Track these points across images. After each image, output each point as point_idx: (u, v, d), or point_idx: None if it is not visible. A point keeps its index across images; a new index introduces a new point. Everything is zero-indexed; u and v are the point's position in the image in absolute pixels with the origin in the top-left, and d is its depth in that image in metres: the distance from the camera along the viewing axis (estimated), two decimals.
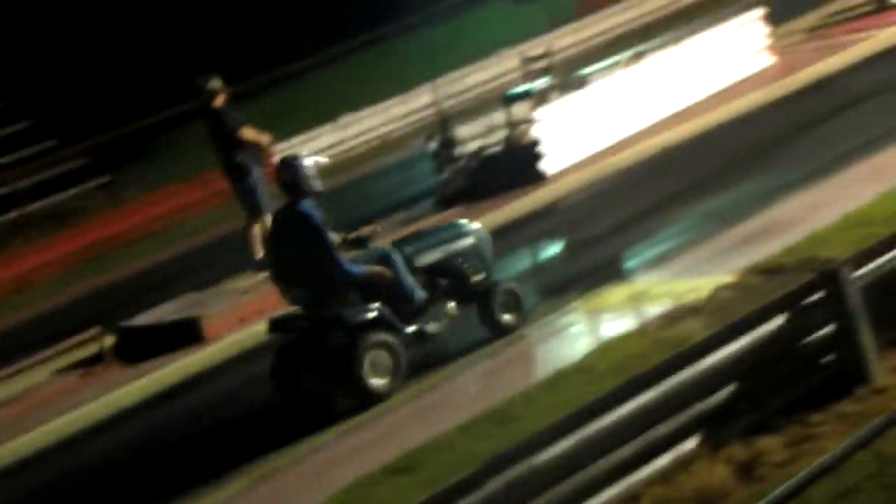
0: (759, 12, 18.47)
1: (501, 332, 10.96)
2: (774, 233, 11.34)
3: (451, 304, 10.91)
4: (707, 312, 9.66)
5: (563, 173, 16.17)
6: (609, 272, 12.01)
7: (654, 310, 10.36)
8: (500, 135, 16.77)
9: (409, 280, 10.73)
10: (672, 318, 9.89)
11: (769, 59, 18.40)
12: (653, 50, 18.07)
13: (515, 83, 19.60)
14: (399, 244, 11.11)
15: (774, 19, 18.85)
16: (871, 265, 8.09)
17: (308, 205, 10.57)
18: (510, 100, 17.08)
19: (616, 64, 17.83)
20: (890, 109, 14.36)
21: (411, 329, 10.62)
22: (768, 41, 18.54)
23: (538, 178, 16.12)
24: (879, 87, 15.51)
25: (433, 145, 17.09)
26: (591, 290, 11.52)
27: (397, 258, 10.75)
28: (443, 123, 17.67)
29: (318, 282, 10.52)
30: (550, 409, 8.30)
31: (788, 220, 11.65)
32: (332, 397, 10.74)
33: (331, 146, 21.71)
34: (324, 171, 10.92)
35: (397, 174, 19.74)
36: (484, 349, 10.82)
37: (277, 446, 9.98)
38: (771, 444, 7.34)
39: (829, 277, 7.85)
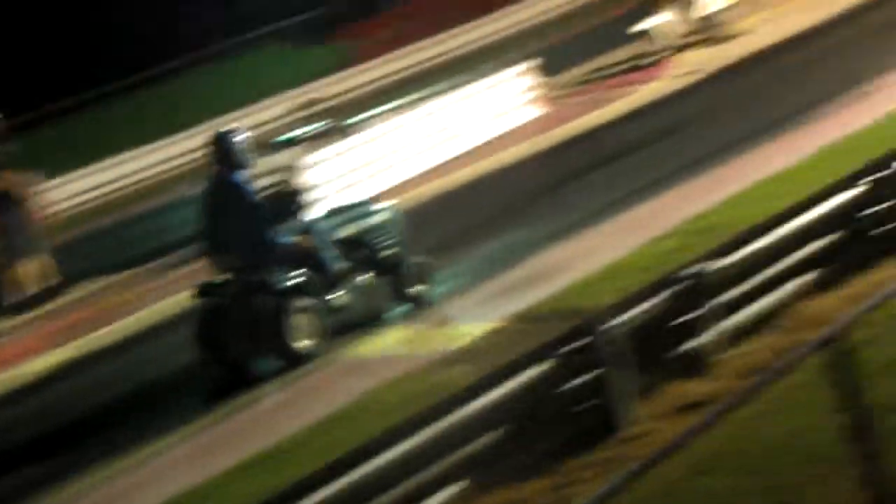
0: (526, 65, 18.85)
1: (412, 302, 11.80)
2: (541, 280, 11.53)
3: (367, 276, 11.74)
4: (473, 358, 9.73)
5: None
6: (379, 316, 12.01)
7: (424, 354, 10.41)
8: (266, 181, 16.55)
9: (330, 251, 11.50)
10: (439, 363, 9.95)
11: (537, 112, 18.76)
12: (425, 99, 18.25)
13: (286, 129, 19.50)
14: (319, 218, 11.89)
15: (546, 72, 19.27)
16: (630, 313, 8.30)
17: (240, 176, 11.29)
18: (277, 146, 16.95)
19: (388, 111, 17.94)
20: (651, 162, 14.79)
21: (332, 296, 11.39)
22: (537, 93, 18.93)
23: None
24: (642, 140, 15.97)
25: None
26: (361, 333, 11.49)
27: (319, 230, 11.54)
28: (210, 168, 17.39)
29: (248, 249, 11.18)
30: (321, 451, 8.22)
31: (554, 267, 11.85)
32: (255, 359, 11.25)
33: (95, 187, 21.21)
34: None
35: (162, 218, 19.35)
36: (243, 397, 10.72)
37: None
38: (537, 488, 7.44)
39: (586, 327, 8.03)
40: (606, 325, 8.04)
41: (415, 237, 12.29)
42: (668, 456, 5.44)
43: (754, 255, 9.13)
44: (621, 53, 20.88)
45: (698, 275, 8.69)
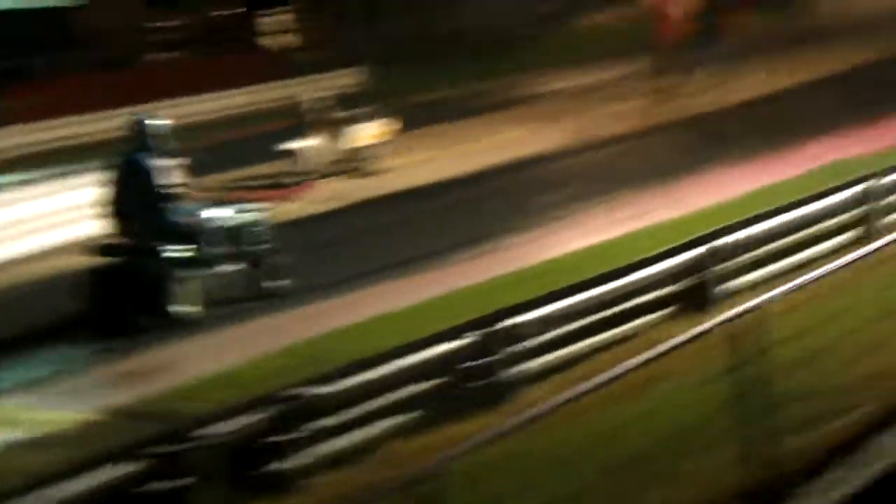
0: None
1: (264, 295, 13.47)
2: (148, 378, 11.37)
3: (239, 264, 13.67)
4: (54, 447, 9.46)
5: None
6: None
7: (6, 437, 10.01)
8: None
9: (213, 235, 13.45)
10: (21, 448, 9.62)
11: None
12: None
13: None
14: (203, 206, 13.69)
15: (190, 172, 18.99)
16: (226, 425, 8.28)
17: (146, 156, 13.21)
18: None
19: None
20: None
21: (209, 272, 13.35)
22: None
23: None
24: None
25: None
26: None
27: (206, 216, 13.45)
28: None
29: (146, 222, 13.17)
30: None
31: (161, 367, 11.73)
32: (134, 316, 12.92)
33: None
34: None
35: None
36: None
37: None
38: None
39: (177, 433, 7.96)
40: (198, 434, 7.99)
41: None
42: None
43: (359, 386, 9.30)
44: (267, 168, 20.96)
45: (298, 397, 8.79)
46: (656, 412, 9.12)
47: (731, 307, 9.00)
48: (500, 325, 10.10)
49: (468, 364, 10.01)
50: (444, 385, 9.91)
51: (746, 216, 12.89)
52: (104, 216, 13.44)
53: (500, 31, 41.04)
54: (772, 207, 13.08)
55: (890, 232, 12.14)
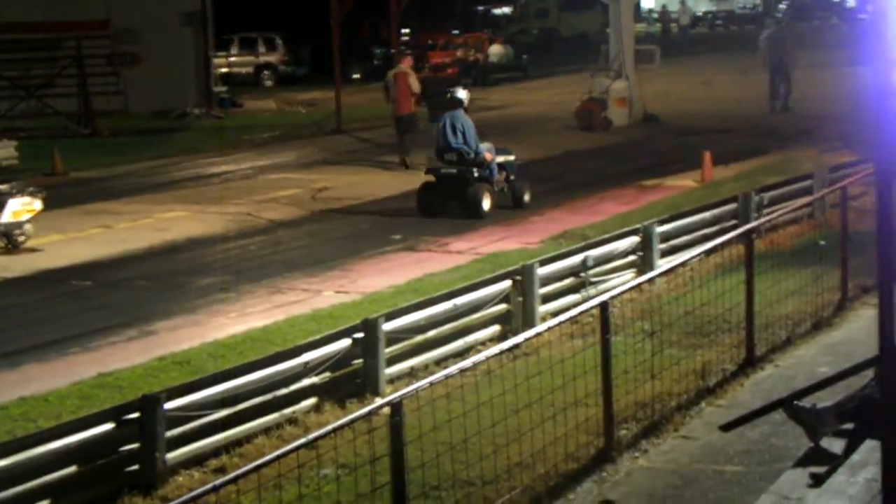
0: None
1: None
2: None
3: None
4: None
5: None
6: None
7: None
8: None
9: None
10: None
11: None
12: None
13: None
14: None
15: None
16: None
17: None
18: None
19: None
20: None
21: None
22: None
23: None
24: None
25: None
26: None
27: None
28: None
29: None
30: None
31: None
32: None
33: None
34: None
35: None
36: None
37: None
38: None
39: None
40: None
41: None
42: None
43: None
44: None
45: None
46: (313, 498, 9.22)
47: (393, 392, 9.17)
48: (158, 409, 9.99)
49: (124, 448, 9.88)
50: (98, 468, 9.75)
51: (414, 301, 13.29)
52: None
53: (166, 110, 40.94)
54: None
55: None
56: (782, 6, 68.25)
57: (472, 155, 21.46)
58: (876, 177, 6.84)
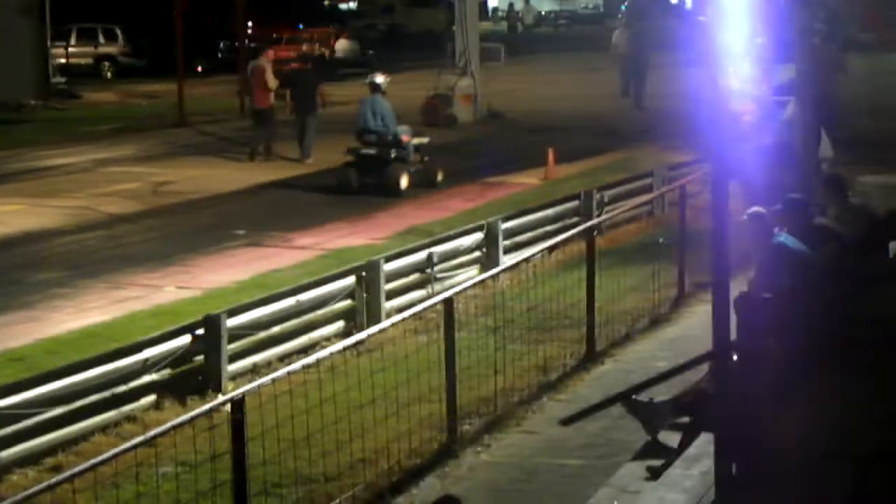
0: None
1: None
2: None
3: None
4: None
5: None
6: None
7: None
8: None
9: None
10: None
11: None
12: None
13: None
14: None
15: None
16: None
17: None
18: None
19: None
20: None
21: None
22: None
23: None
24: None
25: None
26: None
27: None
28: None
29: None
30: None
31: None
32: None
33: None
34: None
35: None
36: None
37: None
38: None
39: None
40: None
41: None
42: None
43: None
44: None
45: None
46: (152, 496, 9.10)
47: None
48: None
49: None
50: None
51: (258, 297, 13.19)
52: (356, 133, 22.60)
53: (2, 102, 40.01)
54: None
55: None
56: (624, 7, 69.35)
57: (391, 137, 22.70)
58: (711, 176, 6.98)
